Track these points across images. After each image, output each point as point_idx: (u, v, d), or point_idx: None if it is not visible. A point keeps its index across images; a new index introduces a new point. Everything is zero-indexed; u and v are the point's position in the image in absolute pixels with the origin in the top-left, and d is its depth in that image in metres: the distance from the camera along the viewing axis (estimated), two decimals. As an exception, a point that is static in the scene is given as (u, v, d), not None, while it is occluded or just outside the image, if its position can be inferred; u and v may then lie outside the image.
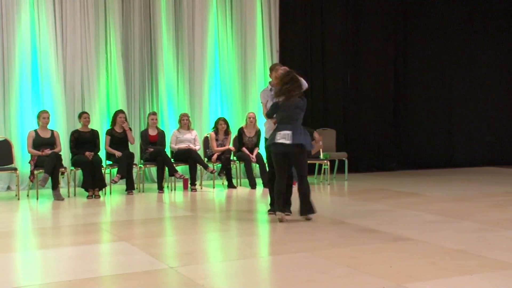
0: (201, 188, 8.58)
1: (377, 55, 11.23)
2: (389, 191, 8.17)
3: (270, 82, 6.25)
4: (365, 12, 11.16)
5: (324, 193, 8.41)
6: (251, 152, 8.87)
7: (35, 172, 7.62)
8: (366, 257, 4.33)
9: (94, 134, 8.13)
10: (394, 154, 11.40)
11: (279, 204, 5.80)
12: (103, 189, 7.88)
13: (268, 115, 5.97)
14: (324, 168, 9.39)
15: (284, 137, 5.67)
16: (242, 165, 9.03)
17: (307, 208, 5.83)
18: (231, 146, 8.95)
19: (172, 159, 8.53)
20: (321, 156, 9.43)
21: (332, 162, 9.78)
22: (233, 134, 9.19)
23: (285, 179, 5.88)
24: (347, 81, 11.08)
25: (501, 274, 3.81)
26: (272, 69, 6.20)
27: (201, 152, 8.93)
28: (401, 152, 11.50)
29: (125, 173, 7.94)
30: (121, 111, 8.37)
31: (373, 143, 11.19)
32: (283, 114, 5.76)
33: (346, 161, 9.68)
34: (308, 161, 9.07)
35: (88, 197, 7.61)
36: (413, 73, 11.63)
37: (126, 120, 8.30)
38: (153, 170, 9.09)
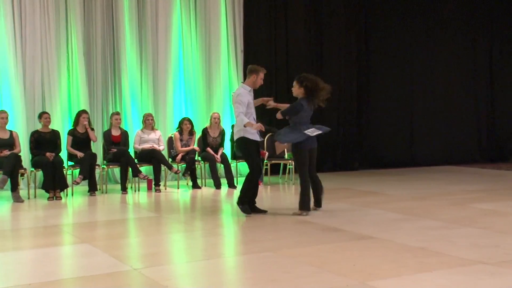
0: (165, 189, 8.52)
1: (340, 55, 11.35)
2: (352, 191, 8.27)
3: (245, 83, 6.22)
4: (328, 13, 11.26)
5: (288, 193, 8.46)
6: (216, 152, 8.86)
7: (-6, 173, 7.42)
8: (329, 256, 4.37)
9: (55, 134, 7.98)
10: (357, 153, 11.55)
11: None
12: (65, 191, 7.75)
13: (289, 114, 6.10)
14: (289, 168, 9.44)
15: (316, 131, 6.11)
16: (207, 165, 9.00)
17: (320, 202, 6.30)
18: (195, 146, 8.91)
19: (135, 160, 8.45)
20: (286, 156, 9.48)
21: (297, 162, 9.83)
22: (198, 134, 9.16)
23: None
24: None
25: (460, 271, 3.91)
26: (253, 70, 6.18)
27: (165, 153, 8.86)
28: (363, 152, 11.66)
29: (88, 174, 7.82)
30: (84, 111, 8.24)
31: (336, 143, 11.31)
32: (305, 114, 6.13)
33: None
34: (273, 161, 9.25)
35: (49, 198, 7.46)
36: (375, 73, 11.80)
37: (89, 120, 8.17)
38: (116, 170, 8.97)
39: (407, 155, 12.08)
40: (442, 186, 8.69)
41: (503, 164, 12.17)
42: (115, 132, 8.47)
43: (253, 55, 10.52)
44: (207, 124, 9.15)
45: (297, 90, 6.17)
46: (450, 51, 12.40)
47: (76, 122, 8.16)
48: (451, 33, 12.45)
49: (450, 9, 12.36)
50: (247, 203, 6.16)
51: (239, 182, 8.77)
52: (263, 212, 6.31)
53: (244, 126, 5.95)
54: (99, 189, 8.18)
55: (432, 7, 12.22)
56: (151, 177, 8.47)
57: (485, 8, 12.73)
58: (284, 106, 6.36)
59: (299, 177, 6.15)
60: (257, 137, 6.18)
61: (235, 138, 6.26)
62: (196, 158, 8.82)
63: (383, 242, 4.79)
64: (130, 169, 8.22)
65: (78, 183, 7.77)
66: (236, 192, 7.98)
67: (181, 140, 8.88)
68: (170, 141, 9.09)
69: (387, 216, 6.10)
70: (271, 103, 6.39)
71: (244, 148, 6.14)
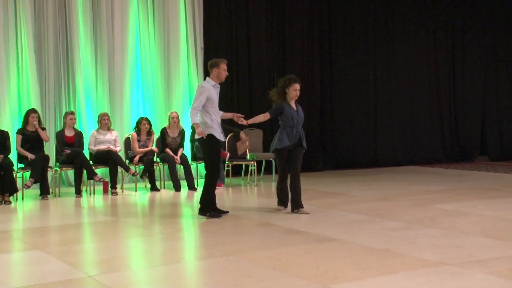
0: (122, 192, 8.43)
1: (303, 54, 11.45)
2: (315, 192, 8.35)
3: (210, 78, 6.22)
4: (290, 10, 11.34)
5: (251, 194, 8.49)
6: (175, 153, 8.81)
7: None
8: (292, 259, 4.41)
9: (4, 135, 7.79)
10: (320, 154, 11.66)
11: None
12: (14, 195, 7.57)
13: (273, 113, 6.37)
14: (251, 169, 9.47)
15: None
16: (166, 166, 8.95)
17: (299, 204, 6.40)
18: (154, 147, 8.84)
19: (91, 161, 8.34)
20: (248, 157, 9.51)
21: (259, 163, 9.88)
22: (156, 134, 9.09)
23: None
24: (273, 80, 11.22)
25: (424, 272, 4.00)
26: (214, 64, 6.19)
27: (122, 154, 8.76)
28: (327, 152, 11.79)
29: (39, 176, 7.67)
30: (33, 110, 8.08)
31: (299, 142, 11.37)
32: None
33: (274, 162, 9.80)
34: (235, 162, 9.26)
35: (-3, 203, 7.28)
36: (338, 72, 11.94)
37: (39, 120, 8.01)
38: (70, 173, 8.82)
39: (371, 155, 12.27)
40: (406, 187, 8.87)
41: (467, 164, 12.51)
42: (69, 133, 8.33)
43: (213, 52, 10.47)
44: (165, 124, 9.09)
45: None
46: (412, 49, 12.66)
47: (25, 122, 8.00)
48: (413, 31, 12.70)
49: (410, 5, 12.60)
50: (209, 209, 6.14)
51: (200, 184, 8.75)
52: (226, 212, 6.33)
53: (192, 124, 6.05)
54: (52, 193, 8.03)
55: (393, 3, 12.43)
56: (107, 179, 8.37)
57: (446, 2, 13.03)
58: (258, 118, 6.50)
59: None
60: (222, 137, 6.20)
61: (196, 137, 6.24)
62: (154, 160, 8.76)
63: (346, 244, 4.86)
64: (84, 171, 8.10)
65: (29, 187, 7.60)
66: (197, 195, 7.96)
67: (138, 140, 8.80)
68: (127, 141, 9.00)
69: (350, 217, 6.19)
70: (243, 121, 6.37)
71: (209, 147, 6.10)
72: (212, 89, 6.14)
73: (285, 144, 6.37)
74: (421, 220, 5.93)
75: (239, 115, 6.40)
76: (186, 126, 9.47)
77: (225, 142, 9.32)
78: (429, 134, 12.93)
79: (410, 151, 12.68)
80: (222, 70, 6.20)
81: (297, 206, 6.38)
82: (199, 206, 6.22)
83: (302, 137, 6.46)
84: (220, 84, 6.31)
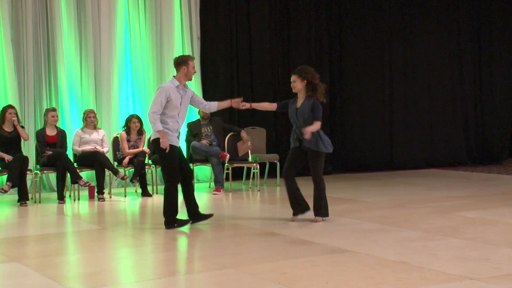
0: (110, 197, 8.44)
1: (310, 45, 11.44)
2: (324, 197, 8.34)
3: (175, 78, 6.20)
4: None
5: (253, 200, 8.48)
6: (169, 154, 8.79)
7: None
8: (298, 272, 4.41)
9: (-21, 134, 7.81)
10: (329, 156, 11.62)
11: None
12: (-10, 200, 7.59)
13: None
14: (253, 172, 9.46)
15: None
16: (159, 169, 8.95)
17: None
18: (145, 148, 8.84)
19: (75, 164, 8.35)
20: (250, 159, 9.50)
21: (262, 166, 9.87)
22: (148, 133, 9.09)
23: None
24: (277, 74, 11.22)
25: (445, 287, 3.99)
26: (181, 62, 6.18)
27: (109, 155, 8.77)
28: (337, 154, 11.76)
29: (17, 180, 7.68)
30: (10, 106, 8.11)
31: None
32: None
33: (278, 164, 9.80)
34: (235, 164, 9.26)
35: (-29, 210, 7.30)
36: (349, 66, 11.92)
37: (17, 116, 8.03)
38: (52, 176, 8.83)
39: (386, 157, 12.24)
40: (424, 192, 8.85)
41: (494, 166, 12.47)
42: (51, 132, 8.35)
43: (210, 42, 10.51)
44: (158, 122, 9.08)
45: (299, 85, 6.33)
46: (432, 41, 12.63)
47: (2, 119, 8.02)
48: (434, 24, 12.67)
49: (428, 3, 12.58)
50: (175, 219, 6.10)
51: (198, 189, 8.75)
52: (210, 216, 6.30)
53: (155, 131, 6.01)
54: (31, 198, 8.03)
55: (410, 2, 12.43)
56: (94, 183, 8.37)
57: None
58: (263, 105, 6.48)
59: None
60: (177, 142, 6.18)
61: (152, 139, 6.22)
62: (146, 162, 8.76)
63: (358, 256, 4.85)
64: (68, 174, 8.11)
65: (5, 191, 7.62)
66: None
67: (128, 140, 8.81)
68: (116, 141, 9.00)
69: (362, 226, 6.18)
70: (245, 104, 6.39)
71: (164, 153, 6.06)
72: (174, 90, 6.10)
73: (292, 145, 6.49)
74: (442, 230, 5.92)
75: (237, 99, 6.42)
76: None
77: (224, 142, 9.33)
78: (451, 133, 12.90)
79: (429, 152, 12.65)
80: (191, 67, 6.18)
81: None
82: (164, 219, 6.14)
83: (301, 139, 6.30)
84: (192, 80, 6.39)
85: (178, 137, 6.26)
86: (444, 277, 4.22)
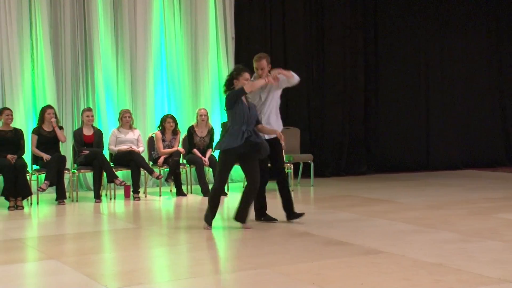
0: (145, 197, 8.51)
1: (344, 44, 11.36)
2: (358, 198, 8.29)
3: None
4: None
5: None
6: (203, 154, 8.85)
7: None
8: (332, 273, 4.39)
9: (18, 134, 7.95)
10: (364, 156, 11.57)
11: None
12: (28, 199, 7.72)
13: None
14: (287, 172, 9.44)
15: None
16: (193, 169, 9.00)
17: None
18: (180, 148, 8.90)
19: (111, 163, 8.43)
20: (284, 159, 9.47)
21: (296, 166, 9.85)
22: (183, 133, 9.15)
23: None
24: (312, 72, 11.18)
25: (481, 290, 3.93)
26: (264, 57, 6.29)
27: (145, 155, 8.85)
28: (371, 154, 11.68)
29: (55, 179, 7.78)
30: (49, 107, 8.22)
31: (341, 143, 11.32)
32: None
33: (312, 164, 9.77)
34: (269, 165, 9.21)
35: (9, 208, 7.43)
36: (385, 65, 11.81)
37: (56, 117, 8.16)
38: (89, 175, 8.95)
39: (422, 158, 12.11)
40: (462, 193, 8.73)
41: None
42: (87, 132, 8.45)
43: (245, 42, 10.52)
44: (193, 122, 9.14)
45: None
46: (471, 43, 12.43)
47: (41, 119, 8.14)
48: (472, 22, 12.47)
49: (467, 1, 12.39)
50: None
51: (230, 189, 8.79)
52: (274, 220, 6.41)
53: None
54: (69, 197, 8.15)
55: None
56: (129, 183, 8.45)
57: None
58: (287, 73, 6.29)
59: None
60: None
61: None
62: (180, 161, 8.82)
63: (393, 257, 4.80)
64: (104, 174, 8.21)
65: (44, 190, 7.73)
66: (227, 200, 8.00)
67: (163, 140, 8.88)
68: (151, 141, 9.08)
69: (398, 227, 6.12)
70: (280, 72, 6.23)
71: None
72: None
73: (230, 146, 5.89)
74: (480, 232, 5.83)
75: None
76: (215, 124, 9.50)
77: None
78: (490, 134, 12.68)
79: (466, 153, 12.46)
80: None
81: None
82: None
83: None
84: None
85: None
86: (482, 280, 4.16)
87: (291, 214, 6.35)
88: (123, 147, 8.55)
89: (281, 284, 4.10)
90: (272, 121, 6.35)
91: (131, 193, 8.35)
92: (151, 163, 8.86)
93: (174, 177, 8.67)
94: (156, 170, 8.59)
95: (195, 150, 8.86)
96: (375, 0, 11.67)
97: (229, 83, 6.09)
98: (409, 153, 11.98)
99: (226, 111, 6.06)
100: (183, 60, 9.94)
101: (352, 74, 11.45)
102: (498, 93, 12.81)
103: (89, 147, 8.36)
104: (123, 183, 8.18)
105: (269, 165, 6.43)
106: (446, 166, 12.04)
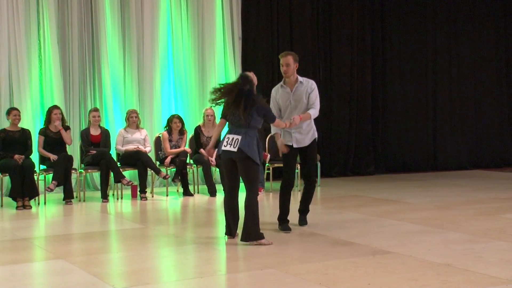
0: (152, 196, 8.53)
1: (352, 44, 11.36)
2: (365, 198, 8.28)
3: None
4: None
5: (293, 200, 8.44)
6: (210, 154, 8.85)
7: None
8: (340, 273, 4.38)
9: (25, 134, 7.98)
10: (371, 156, 11.56)
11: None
12: (35, 198, 7.75)
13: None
14: (296, 172, 9.42)
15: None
16: (200, 169, 9.01)
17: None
18: (187, 148, 8.92)
19: (118, 163, 8.46)
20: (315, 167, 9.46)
21: (303, 166, 9.83)
22: (189, 133, 9.17)
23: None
24: (319, 73, 11.18)
25: (489, 291, 3.92)
26: (291, 54, 6.44)
27: (152, 155, 8.87)
28: (379, 154, 11.66)
29: (62, 179, 7.81)
30: (55, 107, 8.24)
31: (348, 143, 11.31)
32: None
33: (319, 164, 9.76)
34: (276, 165, 9.25)
35: (17, 207, 7.46)
36: (393, 65, 11.81)
37: (63, 117, 8.18)
38: (96, 175, 8.98)
39: (429, 158, 12.09)
40: (470, 193, 8.71)
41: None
42: (94, 131, 8.48)
43: (252, 42, 10.54)
44: (200, 122, 9.16)
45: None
46: (479, 43, 12.42)
47: (48, 119, 8.16)
48: (480, 23, 12.45)
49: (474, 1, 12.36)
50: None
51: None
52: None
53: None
54: (76, 197, 8.18)
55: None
56: (136, 183, 8.48)
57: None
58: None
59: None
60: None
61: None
62: (187, 161, 8.83)
63: (401, 258, 4.80)
64: (111, 173, 8.23)
65: (52, 190, 7.76)
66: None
67: (170, 140, 8.89)
68: (158, 141, 9.10)
69: (405, 227, 6.11)
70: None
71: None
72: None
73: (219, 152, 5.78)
74: (488, 232, 5.81)
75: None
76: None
77: (264, 142, 9.34)
78: (498, 133, 12.66)
79: (474, 153, 12.44)
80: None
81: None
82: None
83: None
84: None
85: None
86: (490, 280, 4.14)
87: (284, 221, 6.09)
88: (130, 147, 8.57)
89: (288, 284, 4.10)
90: (304, 124, 6.34)
91: (138, 193, 8.37)
92: (158, 163, 8.88)
93: (181, 177, 8.68)
94: (163, 170, 8.61)
95: (202, 150, 8.87)
96: (382, 2, 11.65)
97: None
98: (417, 153, 11.97)
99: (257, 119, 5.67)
100: (190, 60, 9.95)
101: (359, 75, 11.45)
102: (506, 93, 12.77)
103: (96, 147, 8.39)
104: (130, 183, 8.20)
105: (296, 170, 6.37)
106: (454, 166, 12.03)
